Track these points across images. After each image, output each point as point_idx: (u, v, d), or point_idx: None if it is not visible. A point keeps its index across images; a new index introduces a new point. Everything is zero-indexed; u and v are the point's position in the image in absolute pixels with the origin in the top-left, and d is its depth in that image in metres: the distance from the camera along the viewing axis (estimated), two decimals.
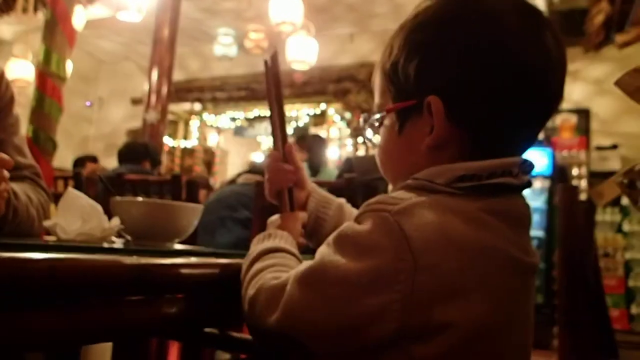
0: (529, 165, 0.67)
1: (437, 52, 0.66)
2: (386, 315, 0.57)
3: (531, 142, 0.70)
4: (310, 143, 4.03)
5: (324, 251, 0.63)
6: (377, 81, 0.75)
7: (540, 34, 0.66)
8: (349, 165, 2.78)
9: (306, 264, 0.64)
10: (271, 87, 0.87)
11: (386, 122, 0.72)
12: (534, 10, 0.68)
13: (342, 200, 0.93)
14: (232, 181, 2.83)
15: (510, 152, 0.66)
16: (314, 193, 0.91)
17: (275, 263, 0.71)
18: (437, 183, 0.63)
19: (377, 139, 0.76)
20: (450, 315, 0.58)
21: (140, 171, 3.45)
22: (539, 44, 0.65)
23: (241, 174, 2.82)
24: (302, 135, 4.50)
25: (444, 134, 0.65)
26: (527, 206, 0.68)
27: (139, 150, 3.80)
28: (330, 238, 0.63)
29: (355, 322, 0.58)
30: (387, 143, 0.73)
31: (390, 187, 0.75)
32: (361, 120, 0.77)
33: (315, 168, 3.79)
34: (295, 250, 0.76)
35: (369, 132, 0.76)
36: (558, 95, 0.68)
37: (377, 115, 0.73)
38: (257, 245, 0.76)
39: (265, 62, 0.87)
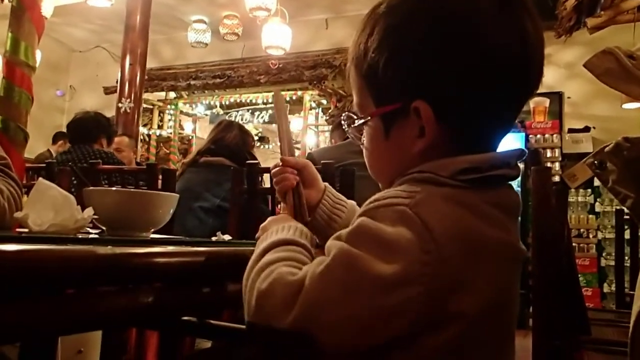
0: (522, 155, 0.67)
1: (416, 54, 0.64)
2: (409, 307, 0.56)
3: (509, 127, 0.69)
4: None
5: (341, 246, 0.59)
6: (352, 78, 0.72)
7: (517, 17, 0.64)
8: (310, 160, 2.77)
9: (323, 259, 0.60)
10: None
11: (370, 124, 0.70)
12: None
13: (353, 202, 0.90)
14: (194, 162, 2.71)
15: (493, 139, 0.67)
16: (328, 193, 0.88)
17: (290, 257, 0.65)
18: (442, 175, 0.62)
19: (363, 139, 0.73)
20: (462, 304, 0.58)
21: (96, 154, 3.04)
22: (517, 28, 0.64)
23: (202, 153, 2.70)
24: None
25: (435, 136, 0.64)
26: (517, 196, 0.69)
27: (91, 126, 3.29)
28: (345, 233, 0.60)
29: (377, 317, 0.56)
30: (375, 147, 0.71)
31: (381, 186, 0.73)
32: (343, 121, 0.75)
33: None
34: (310, 246, 0.70)
35: (353, 134, 0.74)
36: (536, 78, 0.68)
37: (361, 120, 0.71)
38: (273, 235, 0.69)
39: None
